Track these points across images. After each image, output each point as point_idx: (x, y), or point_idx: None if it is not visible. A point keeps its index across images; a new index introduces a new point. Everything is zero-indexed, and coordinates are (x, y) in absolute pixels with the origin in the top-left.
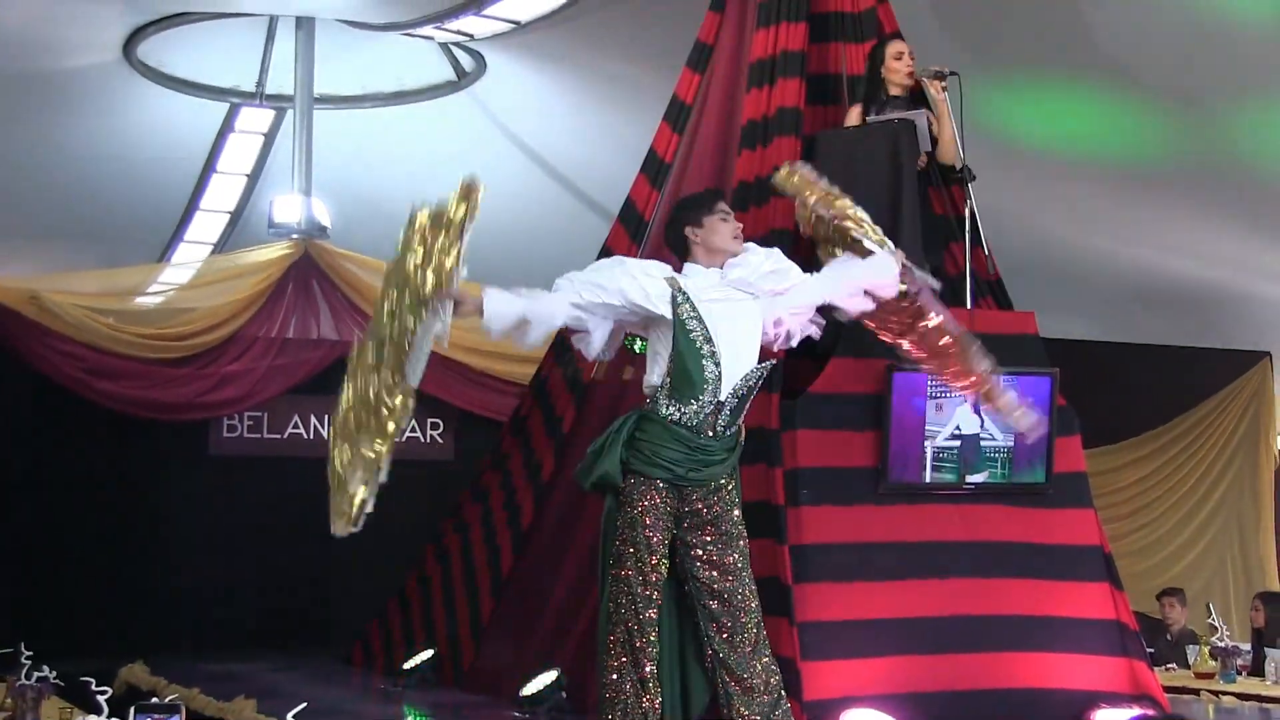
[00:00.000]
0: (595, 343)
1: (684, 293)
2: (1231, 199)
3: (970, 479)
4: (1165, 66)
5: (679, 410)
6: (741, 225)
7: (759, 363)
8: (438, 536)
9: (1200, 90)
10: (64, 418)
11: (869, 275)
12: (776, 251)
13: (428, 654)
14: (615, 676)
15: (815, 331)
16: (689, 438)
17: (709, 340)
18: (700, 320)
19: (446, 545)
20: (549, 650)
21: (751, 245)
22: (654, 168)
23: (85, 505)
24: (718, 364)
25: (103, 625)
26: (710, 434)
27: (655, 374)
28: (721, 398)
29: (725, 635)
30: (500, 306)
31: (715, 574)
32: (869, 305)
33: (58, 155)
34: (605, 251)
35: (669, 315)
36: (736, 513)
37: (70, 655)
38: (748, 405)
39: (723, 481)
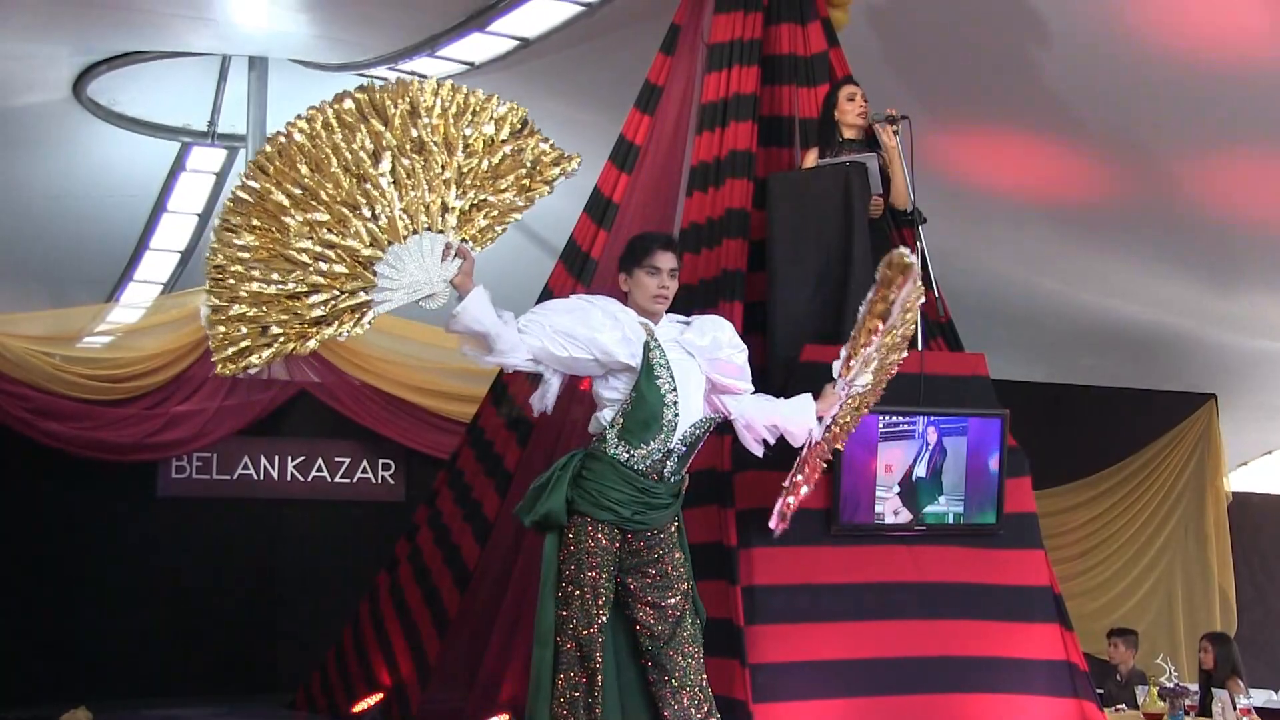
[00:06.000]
0: (551, 395)
1: (655, 339)
2: (1176, 244)
3: (921, 520)
4: (1112, 113)
5: (628, 452)
6: (669, 288)
7: (705, 415)
8: (372, 578)
9: (1146, 137)
10: (8, 458)
11: (786, 416)
12: (734, 337)
13: (377, 697)
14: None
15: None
16: (636, 479)
17: (674, 390)
18: (668, 368)
19: (376, 584)
20: (494, 689)
21: (702, 319)
22: (599, 208)
23: (30, 547)
24: (677, 414)
25: (46, 670)
26: (657, 479)
27: (606, 414)
28: (672, 445)
29: (665, 677)
30: (478, 310)
31: (655, 616)
32: (766, 440)
33: (5, 194)
34: (546, 292)
35: (637, 363)
36: (679, 555)
37: (11, 701)
38: (694, 455)
39: (667, 525)
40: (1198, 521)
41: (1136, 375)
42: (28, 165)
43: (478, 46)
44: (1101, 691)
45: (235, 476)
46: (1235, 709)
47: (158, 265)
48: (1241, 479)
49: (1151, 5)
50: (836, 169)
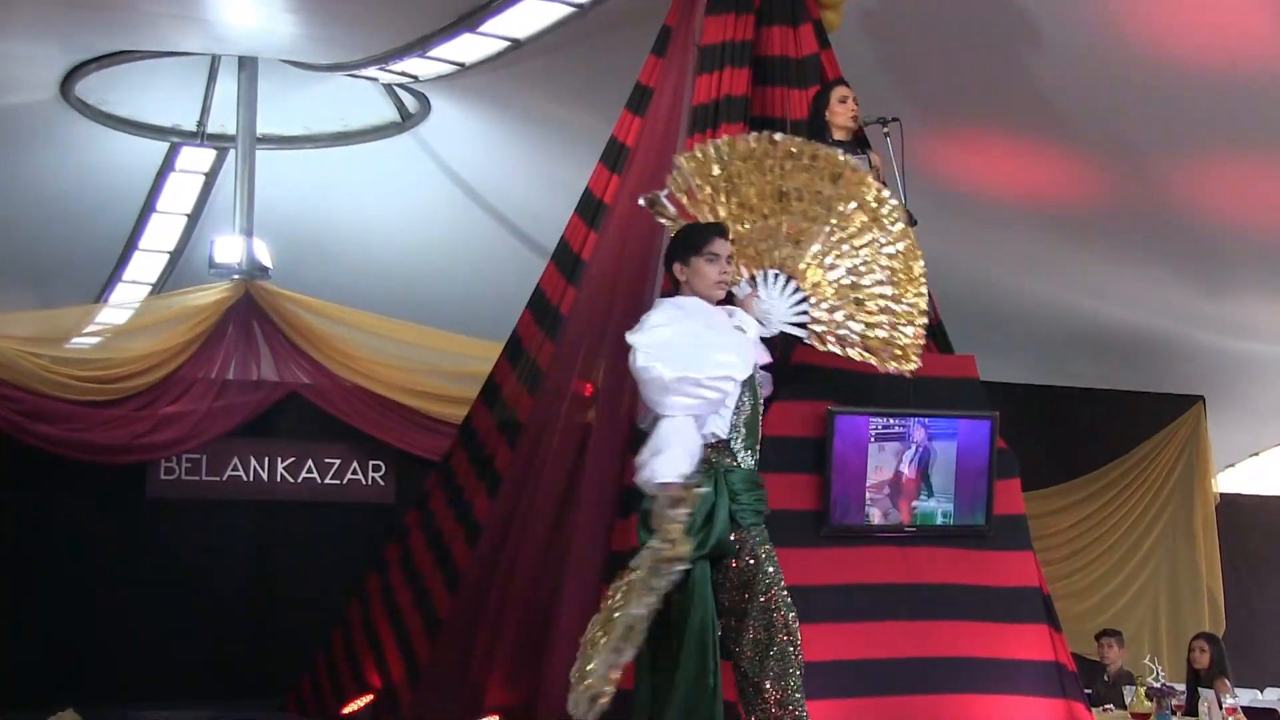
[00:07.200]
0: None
1: None
2: (1166, 247)
3: (911, 522)
4: (1103, 116)
5: (753, 457)
6: (728, 273)
7: None
8: (361, 580)
9: (1136, 140)
10: None
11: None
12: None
13: (367, 699)
14: None
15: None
16: (757, 475)
17: (753, 378)
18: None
19: (366, 587)
20: (482, 691)
21: (733, 309)
22: (590, 209)
23: (17, 548)
24: (758, 400)
25: (33, 673)
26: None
27: (721, 426)
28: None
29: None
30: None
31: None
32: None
33: None
34: (539, 292)
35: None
36: None
37: None
38: None
39: None
40: (1186, 523)
41: (1125, 377)
42: (15, 165)
43: (468, 47)
44: (1089, 691)
45: (225, 478)
46: (1221, 709)
47: (146, 265)
48: (1229, 480)
49: (1142, 9)
50: None
